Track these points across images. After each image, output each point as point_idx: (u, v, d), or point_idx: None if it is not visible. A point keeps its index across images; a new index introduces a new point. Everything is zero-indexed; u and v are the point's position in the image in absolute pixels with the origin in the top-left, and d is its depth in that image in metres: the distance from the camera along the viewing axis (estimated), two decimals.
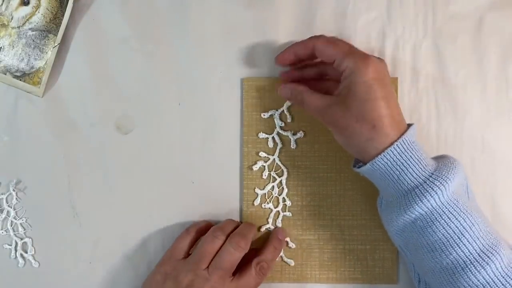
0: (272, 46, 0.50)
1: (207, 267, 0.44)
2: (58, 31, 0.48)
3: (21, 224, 0.50)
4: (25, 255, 0.50)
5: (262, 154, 0.49)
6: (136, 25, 0.50)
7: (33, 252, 0.50)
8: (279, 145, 0.49)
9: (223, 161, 0.50)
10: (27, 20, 0.47)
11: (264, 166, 0.49)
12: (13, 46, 0.47)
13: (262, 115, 0.49)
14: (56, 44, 0.47)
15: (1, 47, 0.48)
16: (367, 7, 0.50)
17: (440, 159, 0.43)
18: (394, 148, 0.40)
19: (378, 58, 0.42)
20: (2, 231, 0.50)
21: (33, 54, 0.47)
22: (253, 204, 0.49)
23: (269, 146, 0.49)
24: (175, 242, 0.47)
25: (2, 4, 0.47)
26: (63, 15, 0.48)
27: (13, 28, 0.47)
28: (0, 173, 0.50)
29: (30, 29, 0.47)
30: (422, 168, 0.40)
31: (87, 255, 0.50)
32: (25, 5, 0.47)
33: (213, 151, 0.50)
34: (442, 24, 0.50)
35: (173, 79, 0.50)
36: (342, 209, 0.49)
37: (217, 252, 0.44)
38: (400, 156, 0.40)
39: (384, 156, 0.40)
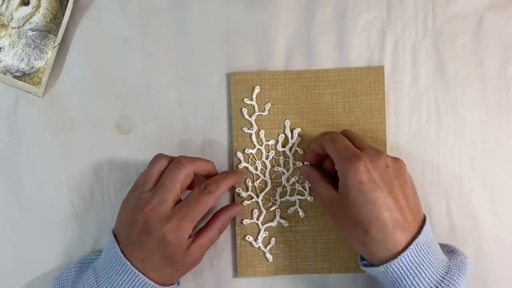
0: (272, 46, 0.50)
1: (151, 189, 0.43)
2: (58, 31, 0.48)
3: None
4: None
5: (248, 150, 0.49)
6: (136, 25, 0.50)
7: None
8: (265, 142, 0.49)
9: (223, 161, 0.50)
10: (27, 20, 0.47)
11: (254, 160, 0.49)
12: (13, 46, 0.47)
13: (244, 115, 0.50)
14: (56, 44, 0.48)
15: (1, 47, 0.48)
16: (367, 7, 0.50)
17: (450, 254, 0.43)
18: (408, 253, 0.39)
19: (393, 158, 0.42)
20: None
21: (33, 54, 0.47)
22: (242, 203, 0.49)
23: (253, 140, 0.49)
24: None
25: (2, 4, 0.47)
26: (63, 15, 0.48)
27: (13, 28, 0.47)
28: (0, 173, 0.50)
29: (30, 29, 0.47)
30: (433, 272, 0.39)
31: (87, 254, 0.50)
32: (25, 5, 0.47)
33: (213, 151, 0.50)
34: (442, 24, 0.50)
35: (173, 79, 0.50)
36: None
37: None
38: (414, 260, 0.39)
39: (399, 260, 0.39)
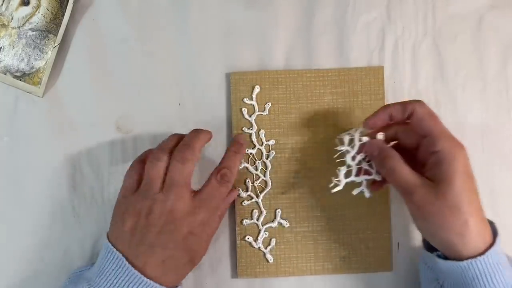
0: (272, 46, 0.50)
1: (161, 189, 0.41)
2: (58, 31, 0.48)
3: None
4: None
5: (248, 150, 0.49)
6: (136, 25, 0.50)
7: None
8: (265, 142, 0.49)
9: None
10: (27, 20, 0.47)
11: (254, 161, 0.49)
12: (13, 46, 0.47)
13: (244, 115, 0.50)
14: (56, 44, 0.48)
15: (1, 47, 0.48)
16: (367, 7, 0.50)
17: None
18: (492, 252, 0.38)
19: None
20: None
21: (33, 54, 0.47)
22: (242, 204, 0.49)
23: (253, 140, 0.49)
24: (123, 182, 0.44)
25: (2, 4, 0.47)
26: (63, 15, 0.48)
27: (13, 28, 0.47)
28: (0, 173, 0.50)
29: (30, 29, 0.47)
30: (509, 275, 0.39)
31: (87, 255, 0.50)
32: (25, 5, 0.47)
33: (213, 151, 0.50)
34: (442, 24, 0.50)
35: (173, 79, 0.50)
36: (334, 199, 0.49)
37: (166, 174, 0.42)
38: (496, 259, 0.39)
39: (486, 257, 0.38)
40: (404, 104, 0.42)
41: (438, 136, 0.40)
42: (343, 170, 0.44)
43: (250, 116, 0.49)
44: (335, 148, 0.45)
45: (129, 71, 0.50)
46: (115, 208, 0.44)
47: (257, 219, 0.49)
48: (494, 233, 0.40)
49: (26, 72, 0.48)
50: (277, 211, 0.49)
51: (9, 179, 0.50)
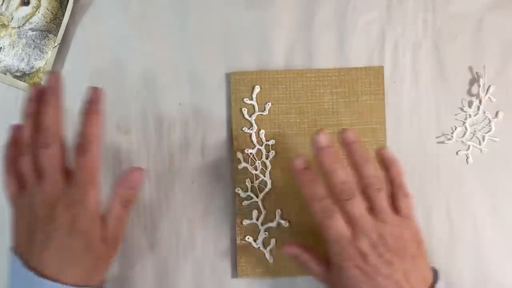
0: (272, 46, 0.50)
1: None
2: (58, 31, 0.48)
3: None
4: None
5: (248, 150, 0.49)
6: (136, 25, 0.50)
7: None
8: (265, 142, 0.49)
9: (223, 161, 0.50)
10: (27, 20, 0.47)
11: (254, 160, 0.49)
12: (13, 46, 0.47)
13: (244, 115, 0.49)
14: (56, 44, 0.48)
15: (1, 47, 0.48)
16: (367, 7, 0.50)
17: None
18: None
19: (399, 220, 0.39)
20: None
21: (33, 54, 0.47)
22: (242, 204, 0.49)
23: (253, 140, 0.49)
24: None
25: (2, 4, 0.47)
26: (63, 15, 0.48)
27: (13, 28, 0.47)
28: (0, 173, 0.50)
29: (30, 29, 0.47)
30: None
31: None
32: (25, 5, 0.47)
33: (213, 151, 0.50)
34: (442, 24, 0.50)
35: (173, 79, 0.50)
36: None
37: None
38: None
39: None
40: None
41: (323, 233, 0.39)
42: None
43: (250, 116, 0.49)
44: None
45: (129, 71, 0.50)
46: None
47: (257, 219, 0.49)
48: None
49: (26, 72, 0.48)
50: (277, 211, 0.49)
51: None
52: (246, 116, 0.49)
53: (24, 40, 0.47)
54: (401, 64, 0.50)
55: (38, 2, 0.47)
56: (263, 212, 0.49)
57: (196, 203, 0.50)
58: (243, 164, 0.49)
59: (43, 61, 0.48)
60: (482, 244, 0.49)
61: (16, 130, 0.41)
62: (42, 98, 0.40)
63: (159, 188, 0.50)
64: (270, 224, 0.49)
